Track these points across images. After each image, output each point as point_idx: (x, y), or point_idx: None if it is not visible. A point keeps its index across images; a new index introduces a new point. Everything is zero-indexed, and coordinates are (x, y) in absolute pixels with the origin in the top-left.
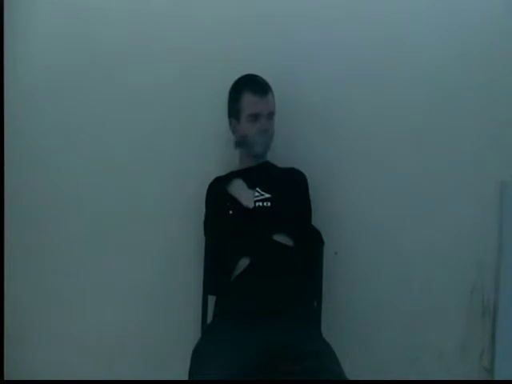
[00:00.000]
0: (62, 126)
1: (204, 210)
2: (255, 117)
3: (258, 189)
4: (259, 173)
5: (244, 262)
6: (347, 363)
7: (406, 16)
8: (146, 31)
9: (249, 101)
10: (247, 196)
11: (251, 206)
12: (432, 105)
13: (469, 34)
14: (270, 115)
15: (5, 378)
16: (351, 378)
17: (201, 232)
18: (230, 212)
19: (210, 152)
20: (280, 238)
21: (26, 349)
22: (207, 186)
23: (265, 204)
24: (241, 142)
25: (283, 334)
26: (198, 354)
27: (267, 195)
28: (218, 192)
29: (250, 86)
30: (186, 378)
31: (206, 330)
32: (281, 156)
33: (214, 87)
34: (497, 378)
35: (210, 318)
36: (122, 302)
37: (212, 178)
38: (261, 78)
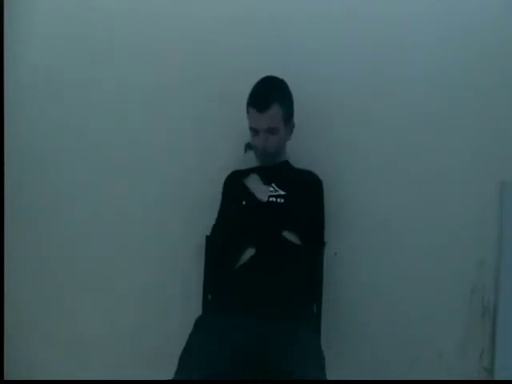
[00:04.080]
0: (61, 126)
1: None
2: (255, 131)
3: (273, 184)
4: (277, 171)
5: (249, 254)
6: (347, 363)
7: (406, 16)
8: (146, 31)
9: (251, 114)
10: (262, 190)
11: (265, 199)
12: (432, 105)
13: (469, 35)
14: (271, 130)
15: (5, 378)
16: (351, 378)
17: (201, 232)
18: (244, 203)
19: (211, 153)
20: (288, 235)
21: (25, 349)
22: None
23: (278, 200)
24: (248, 146)
25: (273, 333)
26: (187, 346)
27: (282, 192)
28: (233, 183)
29: (253, 99)
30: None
31: (197, 322)
32: None
33: (214, 87)
34: (497, 378)
35: None
36: (122, 302)
37: (213, 179)
38: (268, 89)
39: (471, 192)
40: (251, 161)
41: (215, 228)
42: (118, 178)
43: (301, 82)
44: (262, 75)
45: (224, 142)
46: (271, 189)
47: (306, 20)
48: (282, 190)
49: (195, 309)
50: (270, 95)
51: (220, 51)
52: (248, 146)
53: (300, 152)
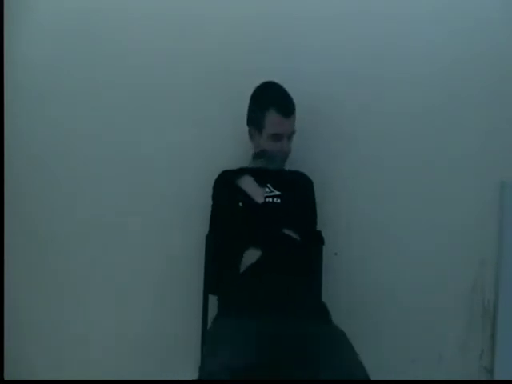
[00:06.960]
0: (62, 126)
1: (209, 205)
2: (278, 136)
3: (268, 185)
4: (269, 172)
5: (253, 255)
6: None
7: (406, 17)
8: (146, 31)
9: (274, 120)
10: (258, 191)
11: (261, 200)
12: (433, 105)
13: (470, 35)
14: (292, 135)
15: (5, 378)
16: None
17: (201, 232)
18: (240, 204)
19: (212, 152)
20: (289, 233)
21: (25, 349)
22: (212, 182)
23: (275, 200)
24: (259, 155)
25: (292, 327)
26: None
27: (277, 192)
28: (227, 184)
29: (277, 104)
30: (186, 377)
31: (213, 324)
32: None
33: (215, 88)
34: (497, 377)
35: (210, 318)
36: (122, 302)
37: (214, 178)
38: (288, 95)
39: (471, 192)
40: (244, 161)
41: (212, 231)
42: (118, 179)
43: (300, 83)
44: (263, 76)
45: (225, 142)
46: (267, 189)
47: (306, 20)
48: (278, 190)
49: (195, 308)
50: (291, 100)
51: (220, 52)
52: (259, 155)
53: (299, 153)
